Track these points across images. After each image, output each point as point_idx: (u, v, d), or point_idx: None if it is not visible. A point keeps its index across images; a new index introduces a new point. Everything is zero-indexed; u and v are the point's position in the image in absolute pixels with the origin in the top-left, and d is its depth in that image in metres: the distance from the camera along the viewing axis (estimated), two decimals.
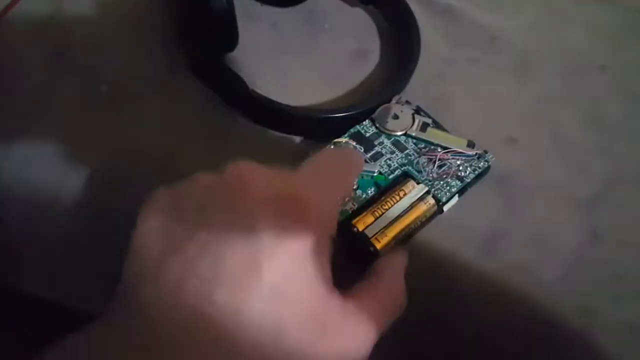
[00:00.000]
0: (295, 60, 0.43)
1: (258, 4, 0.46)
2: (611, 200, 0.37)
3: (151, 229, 0.21)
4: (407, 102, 0.38)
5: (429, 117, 0.38)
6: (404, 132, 0.36)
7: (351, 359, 0.22)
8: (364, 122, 0.37)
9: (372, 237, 0.31)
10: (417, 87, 0.41)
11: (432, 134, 0.36)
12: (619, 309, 0.32)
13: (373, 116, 0.37)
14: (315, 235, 0.21)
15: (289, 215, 0.21)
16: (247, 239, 0.20)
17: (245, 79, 0.37)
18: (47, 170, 0.37)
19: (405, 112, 0.37)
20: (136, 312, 0.20)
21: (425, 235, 0.34)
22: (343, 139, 0.36)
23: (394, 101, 0.38)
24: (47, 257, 0.37)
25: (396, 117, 0.37)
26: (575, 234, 0.35)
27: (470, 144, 0.36)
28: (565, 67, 0.44)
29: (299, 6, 0.46)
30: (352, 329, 0.23)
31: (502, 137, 0.39)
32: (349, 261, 0.31)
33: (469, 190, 0.35)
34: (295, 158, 0.33)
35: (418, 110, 0.38)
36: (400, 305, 0.26)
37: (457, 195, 0.34)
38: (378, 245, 0.30)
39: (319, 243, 0.22)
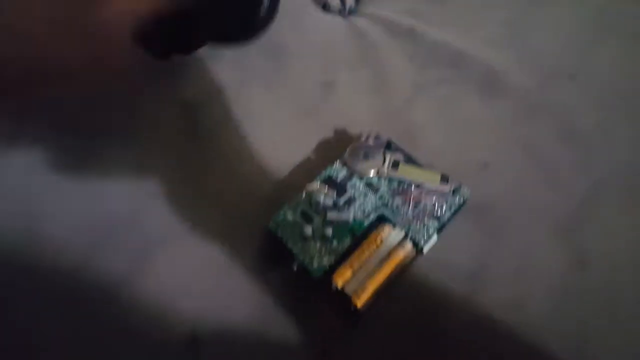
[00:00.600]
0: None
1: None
2: (594, 220, 0.36)
3: None
4: (377, 138, 0.37)
5: (401, 150, 0.37)
6: (376, 172, 0.35)
7: None
8: (335, 165, 0.35)
9: (353, 293, 0.29)
10: (388, 116, 0.40)
11: (405, 171, 0.35)
12: (615, 339, 0.31)
13: (344, 157, 0.35)
14: None
15: None
16: None
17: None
18: None
19: (376, 150, 0.36)
20: None
21: (407, 278, 0.32)
22: (316, 184, 0.34)
23: (363, 137, 0.37)
24: None
25: (366, 156, 0.35)
26: (560, 262, 0.34)
27: (444, 179, 0.35)
28: (534, 80, 0.43)
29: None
30: None
31: (477, 163, 0.38)
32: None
33: (448, 227, 0.34)
34: None
35: (389, 145, 0.37)
36: None
37: (436, 234, 0.33)
38: (359, 303, 0.29)
39: None
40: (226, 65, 0.43)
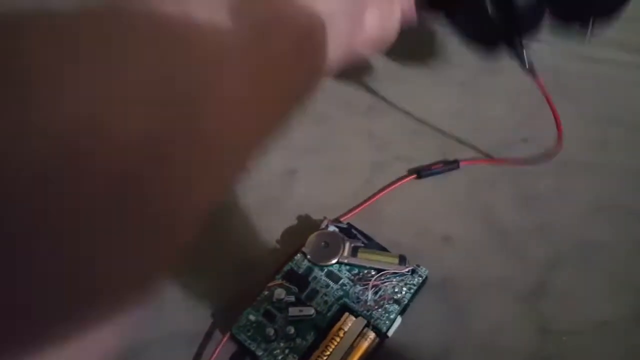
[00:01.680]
0: None
1: None
2: (554, 286, 0.36)
3: None
4: (339, 221, 0.38)
5: (361, 233, 0.38)
6: (336, 260, 0.36)
7: None
8: (296, 257, 0.36)
9: None
10: (349, 198, 0.41)
11: (364, 257, 0.36)
12: None
13: (304, 249, 0.36)
14: None
15: None
16: None
17: None
18: None
19: (335, 238, 0.37)
20: None
21: None
22: (277, 281, 0.35)
23: (323, 225, 0.38)
24: None
25: (327, 245, 0.36)
26: (525, 333, 0.34)
27: (402, 260, 0.35)
28: (490, 146, 0.44)
29: None
30: None
31: (438, 237, 0.39)
32: None
33: (411, 305, 0.35)
34: None
35: (349, 230, 0.38)
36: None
37: (399, 317, 0.33)
38: None
39: None
40: None
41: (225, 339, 0.33)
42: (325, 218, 0.39)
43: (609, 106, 0.47)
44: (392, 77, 0.50)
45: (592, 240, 0.38)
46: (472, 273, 0.37)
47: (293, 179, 0.44)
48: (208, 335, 0.35)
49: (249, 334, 0.32)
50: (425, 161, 0.44)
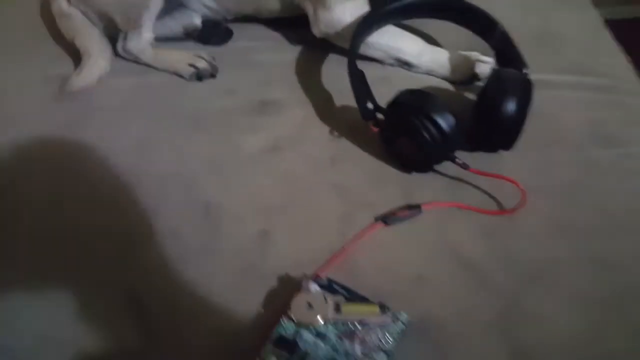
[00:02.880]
0: None
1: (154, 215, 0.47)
2: (523, 310, 0.39)
3: None
4: (318, 277, 0.40)
5: (341, 287, 0.40)
6: (322, 320, 0.37)
7: None
8: (283, 322, 0.37)
9: None
10: (324, 252, 0.43)
11: (347, 311, 0.38)
12: None
13: (290, 313, 0.38)
14: None
15: None
16: None
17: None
18: None
19: (317, 298, 0.38)
20: None
21: None
22: (267, 349, 0.36)
23: (304, 283, 0.39)
24: None
25: (310, 306, 0.38)
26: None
27: (382, 308, 0.38)
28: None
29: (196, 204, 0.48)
30: None
31: (411, 278, 0.42)
32: None
33: (397, 353, 0.36)
34: None
35: (330, 285, 0.40)
36: None
37: None
38: None
39: None
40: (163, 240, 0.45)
41: None
42: (304, 275, 0.41)
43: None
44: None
45: (556, 268, 0.42)
46: (446, 310, 0.40)
47: (267, 239, 0.45)
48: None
49: None
50: (390, 205, 0.46)
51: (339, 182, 0.49)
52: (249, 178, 0.50)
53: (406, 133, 0.46)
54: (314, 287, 0.39)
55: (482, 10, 0.55)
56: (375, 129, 0.49)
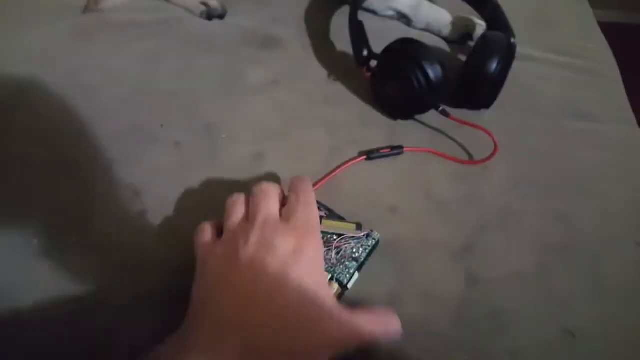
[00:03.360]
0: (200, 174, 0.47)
1: (159, 126, 0.50)
2: (480, 246, 0.44)
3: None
4: None
5: (323, 206, 0.44)
6: None
7: (336, 344, 0.33)
8: None
9: None
10: (310, 174, 0.46)
11: (327, 225, 0.42)
12: (499, 340, 0.38)
13: None
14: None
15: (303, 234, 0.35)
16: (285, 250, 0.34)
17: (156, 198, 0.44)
18: None
19: None
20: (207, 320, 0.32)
21: None
22: None
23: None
24: None
25: None
26: (456, 283, 0.41)
27: (359, 227, 0.42)
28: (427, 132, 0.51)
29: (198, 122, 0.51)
30: (345, 318, 0.34)
31: (385, 208, 0.46)
32: None
33: (366, 265, 0.41)
34: None
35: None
36: (393, 328, 0.35)
37: (356, 272, 0.40)
38: None
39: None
40: (166, 149, 0.49)
41: None
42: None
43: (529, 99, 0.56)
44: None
45: (511, 209, 0.46)
46: (414, 238, 0.44)
47: (261, 160, 0.49)
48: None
49: None
50: (374, 144, 0.50)
51: (330, 119, 0.53)
52: (248, 105, 0.53)
53: (395, 79, 0.50)
54: None
55: None
56: (368, 74, 0.52)
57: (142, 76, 0.55)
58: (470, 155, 0.50)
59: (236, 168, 0.48)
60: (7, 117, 0.50)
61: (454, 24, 0.61)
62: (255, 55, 0.58)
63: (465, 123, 0.50)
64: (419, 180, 0.48)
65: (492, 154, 0.49)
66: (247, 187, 0.43)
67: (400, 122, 0.53)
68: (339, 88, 0.56)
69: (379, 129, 0.52)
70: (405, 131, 0.52)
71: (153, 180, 0.46)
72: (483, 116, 0.53)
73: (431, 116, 0.51)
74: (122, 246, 0.42)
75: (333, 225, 0.42)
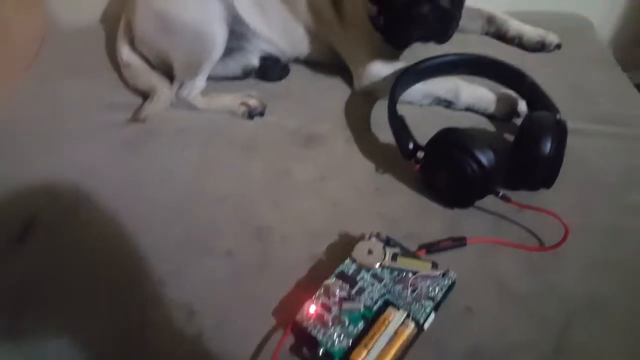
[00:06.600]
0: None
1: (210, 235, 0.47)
2: (574, 344, 0.37)
3: None
4: (377, 235, 0.42)
5: (398, 244, 0.42)
6: (379, 264, 0.40)
7: None
8: (346, 261, 0.40)
9: None
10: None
11: (402, 262, 0.40)
12: None
13: (352, 255, 0.41)
14: None
15: None
16: None
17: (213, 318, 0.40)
18: None
19: (377, 247, 0.41)
20: None
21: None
22: (331, 280, 0.39)
23: (366, 237, 0.42)
24: None
25: (370, 252, 0.40)
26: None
27: (434, 265, 0.40)
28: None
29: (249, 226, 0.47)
30: None
31: (459, 309, 0.40)
32: None
33: (442, 305, 0.38)
34: None
35: (388, 241, 0.42)
36: None
37: (433, 312, 0.37)
38: None
39: None
40: (219, 260, 0.45)
41: (289, 327, 0.36)
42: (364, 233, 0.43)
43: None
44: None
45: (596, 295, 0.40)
46: (497, 340, 0.38)
47: (317, 263, 0.44)
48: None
49: (310, 321, 0.36)
50: (433, 237, 0.45)
51: (384, 212, 0.49)
52: (299, 204, 0.50)
53: (447, 169, 0.46)
54: (374, 239, 0.42)
55: (509, 65, 0.57)
56: (417, 166, 0.49)
57: (191, 184, 0.52)
58: (539, 240, 0.45)
59: (292, 272, 0.43)
60: (56, 233, 0.48)
61: (498, 101, 0.58)
62: (300, 154, 0.56)
63: (530, 207, 0.46)
64: (489, 273, 0.43)
65: (564, 239, 0.43)
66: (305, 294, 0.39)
67: (457, 210, 0.48)
68: (388, 179, 0.52)
69: (436, 219, 0.48)
70: (464, 219, 0.47)
71: (209, 296, 0.42)
72: (543, 195, 0.49)
73: (490, 201, 0.47)
74: None
75: (408, 263, 0.40)
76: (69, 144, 0.58)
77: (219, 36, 0.61)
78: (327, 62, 0.67)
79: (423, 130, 0.49)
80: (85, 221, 0.49)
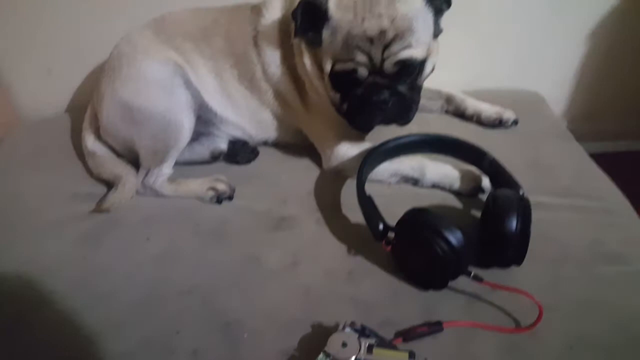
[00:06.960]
0: None
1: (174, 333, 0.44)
2: None
3: None
4: (352, 324, 0.41)
5: (373, 333, 0.40)
6: (354, 357, 0.38)
7: None
8: (319, 356, 0.38)
9: None
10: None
11: (378, 354, 0.38)
12: None
13: (326, 349, 0.38)
14: None
15: None
16: None
17: None
18: None
19: (352, 338, 0.39)
20: None
21: None
22: None
23: (340, 328, 0.40)
24: None
25: (345, 344, 0.38)
26: None
27: (412, 355, 0.38)
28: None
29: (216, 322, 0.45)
30: None
31: None
32: None
33: None
34: None
35: (363, 330, 0.40)
36: None
37: None
38: None
39: None
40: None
41: None
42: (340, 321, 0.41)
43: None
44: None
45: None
46: None
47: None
48: None
49: None
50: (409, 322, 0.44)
51: (357, 297, 0.47)
52: (269, 293, 0.48)
53: (417, 250, 0.46)
54: (349, 329, 0.40)
55: (471, 144, 0.58)
56: (388, 248, 0.48)
57: (156, 277, 0.50)
58: (515, 320, 0.44)
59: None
60: (11, 335, 0.45)
61: (463, 177, 0.59)
62: (270, 238, 0.55)
63: (502, 287, 0.45)
64: (468, 359, 0.41)
65: (538, 319, 0.43)
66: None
67: (432, 292, 0.47)
68: (360, 261, 0.51)
69: (411, 302, 0.47)
70: (439, 301, 0.46)
71: None
72: (515, 273, 0.48)
73: (463, 281, 0.46)
74: None
75: (384, 354, 0.38)
76: (28, 239, 0.55)
77: (186, 124, 0.61)
78: (296, 142, 0.68)
79: (392, 209, 0.48)
80: (41, 323, 0.46)
